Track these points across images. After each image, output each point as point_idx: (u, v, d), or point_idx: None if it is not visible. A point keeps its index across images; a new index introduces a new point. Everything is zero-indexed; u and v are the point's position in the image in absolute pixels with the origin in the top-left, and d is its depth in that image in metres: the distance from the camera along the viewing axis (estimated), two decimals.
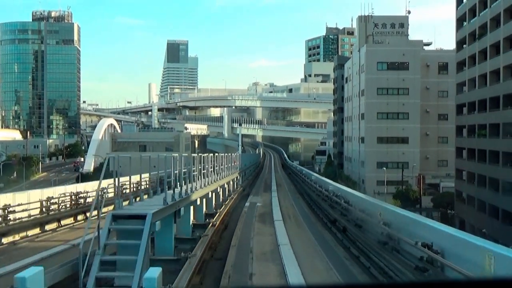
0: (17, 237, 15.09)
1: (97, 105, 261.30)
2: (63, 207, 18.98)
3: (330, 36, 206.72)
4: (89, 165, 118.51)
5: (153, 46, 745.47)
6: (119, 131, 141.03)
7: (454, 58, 71.41)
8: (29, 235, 15.59)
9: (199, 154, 20.19)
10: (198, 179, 18.45)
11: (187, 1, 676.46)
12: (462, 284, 1.90)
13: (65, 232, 16.79)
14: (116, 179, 12.81)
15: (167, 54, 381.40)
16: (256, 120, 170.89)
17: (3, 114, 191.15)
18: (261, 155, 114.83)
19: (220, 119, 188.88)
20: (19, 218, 15.96)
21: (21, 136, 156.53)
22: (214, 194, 22.64)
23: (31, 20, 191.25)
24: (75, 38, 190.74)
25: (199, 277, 11.64)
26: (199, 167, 18.87)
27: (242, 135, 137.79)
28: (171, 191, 13.87)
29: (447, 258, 10.01)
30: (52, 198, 18.36)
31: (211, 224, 18.20)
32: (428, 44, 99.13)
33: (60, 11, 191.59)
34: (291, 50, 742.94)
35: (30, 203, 16.90)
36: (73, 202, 19.75)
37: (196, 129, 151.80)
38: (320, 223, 24.67)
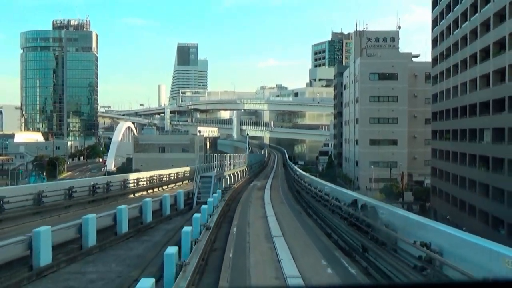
0: (139, 194, 33.22)
1: (109, 107, 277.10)
2: (155, 181, 37.60)
3: (336, 41, 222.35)
4: (110, 165, 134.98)
5: (162, 47, 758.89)
6: (135, 133, 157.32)
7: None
8: (143, 194, 33.84)
9: (226, 154, 39.56)
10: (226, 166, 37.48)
11: (195, 2, 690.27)
12: (462, 285, 1.96)
13: (157, 193, 35.03)
14: (196, 165, 30.89)
15: (177, 57, 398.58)
16: (263, 123, 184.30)
17: (26, 117, 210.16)
18: (266, 156, 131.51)
19: (229, 121, 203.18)
20: (140, 184, 34.22)
21: (43, 138, 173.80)
22: (233, 175, 41.69)
23: (51, 29, 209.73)
24: (93, 45, 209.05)
25: (230, 201, 29.66)
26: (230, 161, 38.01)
27: (250, 136, 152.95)
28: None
29: (313, 184, 28.33)
30: (152, 176, 36.76)
31: (232, 187, 36.44)
32: (416, 56, 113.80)
33: (79, 19, 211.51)
34: (299, 50, 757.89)
35: (143, 178, 35.23)
36: (158, 180, 38.26)
37: (207, 131, 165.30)
38: (290, 192, 43.88)
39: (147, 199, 21.42)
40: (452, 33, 73.49)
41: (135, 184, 34.10)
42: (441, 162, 76.75)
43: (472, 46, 64.04)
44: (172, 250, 11.41)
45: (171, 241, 16.78)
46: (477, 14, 62.59)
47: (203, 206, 18.72)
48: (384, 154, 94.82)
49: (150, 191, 35.86)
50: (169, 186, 40.28)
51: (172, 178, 42.91)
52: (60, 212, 22.51)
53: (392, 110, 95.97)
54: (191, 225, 15.53)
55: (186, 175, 46.18)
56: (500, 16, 56.61)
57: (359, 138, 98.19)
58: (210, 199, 21.83)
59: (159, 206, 24.07)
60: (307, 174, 43.06)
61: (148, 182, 36.82)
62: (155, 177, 38.46)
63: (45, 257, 13.27)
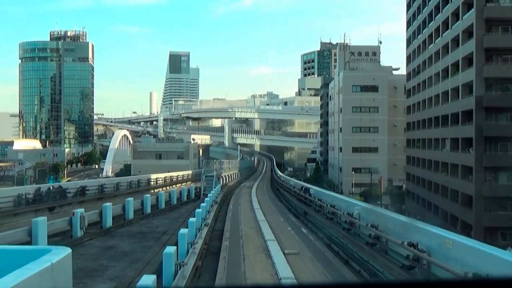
0: (157, 190, 45.18)
1: (103, 114, 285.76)
2: (168, 181, 49.84)
3: (324, 50, 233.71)
4: (108, 171, 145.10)
5: (154, 55, 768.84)
6: (131, 141, 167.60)
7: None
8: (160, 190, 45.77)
9: (221, 160, 51.65)
10: (223, 169, 49.71)
11: (188, 9, 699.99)
12: (461, 283, 2.01)
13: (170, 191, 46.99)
14: (201, 169, 42.96)
15: (169, 65, 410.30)
16: (254, 131, 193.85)
17: (24, 125, 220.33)
18: (256, 162, 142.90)
19: (221, 129, 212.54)
20: (158, 182, 46.34)
21: (41, 145, 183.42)
22: (228, 176, 54.08)
23: (49, 40, 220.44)
24: (90, 56, 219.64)
25: (227, 193, 41.69)
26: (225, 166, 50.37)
27: (241, 144, 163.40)
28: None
29: (285, 181, 40.67)
30: (166, 177, 48.87)
31: (227, 185, 48.53)
32: (396, 69, 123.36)
33: (76, 31, 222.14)
34: (291, 58, 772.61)
35: (160, 178, 47.31)
36: (168, 180, 50.48)
37: (200, 139, 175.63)
38: (272, 189, 56.47)
39: (173, 189, 33.74)
40: (422, 53, 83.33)
41: (155, 182, 45.79)
42: (413, 168, 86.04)
43: (436, 65, 74.04)
44: (199, 210, 22.91)
45: (191, 214, 28.57)
46: (439, 38, 72.85)
47: (211, 192, 30.97)
48: (366, 161, 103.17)
49: (164, 188, 47.08)
50: (176, 185, 51.80)
51: (179, 179, 54.88)
52: (114, 199, 34.02)
53: (373, 120, 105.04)
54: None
55: (189, 177, 58.11)
56: (456, 42, 67.34)
57: (342, 146, 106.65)
58: (215, 189, 33.89)
59: (179, 195, 35.86)
60: (283, 174, 55.22)
61: (163, 181, 48.70)
62: (168, 178, 50.49)
63: (130, 214, 25.07)
